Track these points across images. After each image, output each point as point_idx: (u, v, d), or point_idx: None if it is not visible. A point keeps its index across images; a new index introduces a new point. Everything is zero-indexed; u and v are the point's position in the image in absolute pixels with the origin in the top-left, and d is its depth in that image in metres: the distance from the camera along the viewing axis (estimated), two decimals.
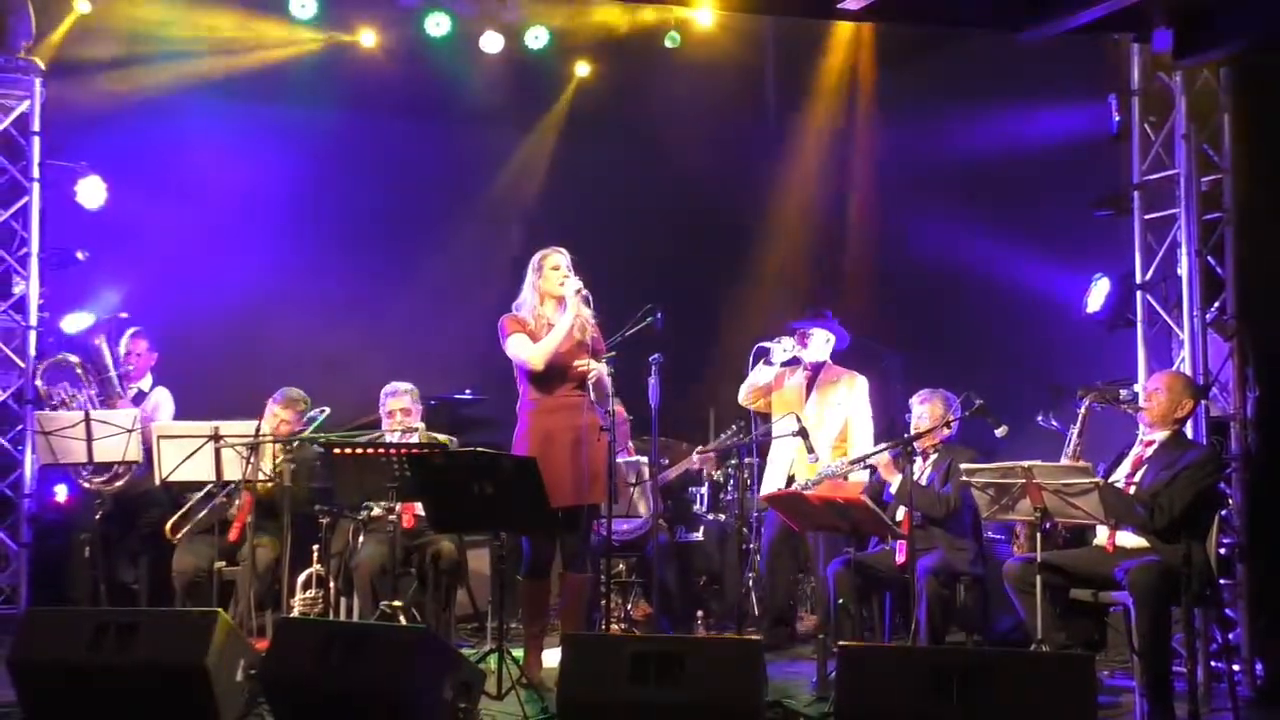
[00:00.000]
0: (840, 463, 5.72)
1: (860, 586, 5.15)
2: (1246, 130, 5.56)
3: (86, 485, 6.05)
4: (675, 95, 7.96)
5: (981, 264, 7.22)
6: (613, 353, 5.23)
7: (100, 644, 4.13)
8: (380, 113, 7.89)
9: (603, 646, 4.18)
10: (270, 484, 5.56)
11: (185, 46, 7.32)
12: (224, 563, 5.46)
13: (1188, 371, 5.49)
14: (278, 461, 5.53)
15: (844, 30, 7.82)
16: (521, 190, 8.31)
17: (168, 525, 5.67)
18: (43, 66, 6.59)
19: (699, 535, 6.92)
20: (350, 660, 3.92)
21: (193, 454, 5.40)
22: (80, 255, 6.72)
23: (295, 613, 5.62)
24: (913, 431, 5.45)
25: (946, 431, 5.51)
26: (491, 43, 7.60)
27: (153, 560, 5.92)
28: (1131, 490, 4.80)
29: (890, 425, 6.74)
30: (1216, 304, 5.59)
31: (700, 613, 6.75)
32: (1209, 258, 5.61)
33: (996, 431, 5.18)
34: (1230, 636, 5.28)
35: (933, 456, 5.54)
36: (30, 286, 6.51)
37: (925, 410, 5.54)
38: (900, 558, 5.15)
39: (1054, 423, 5.81)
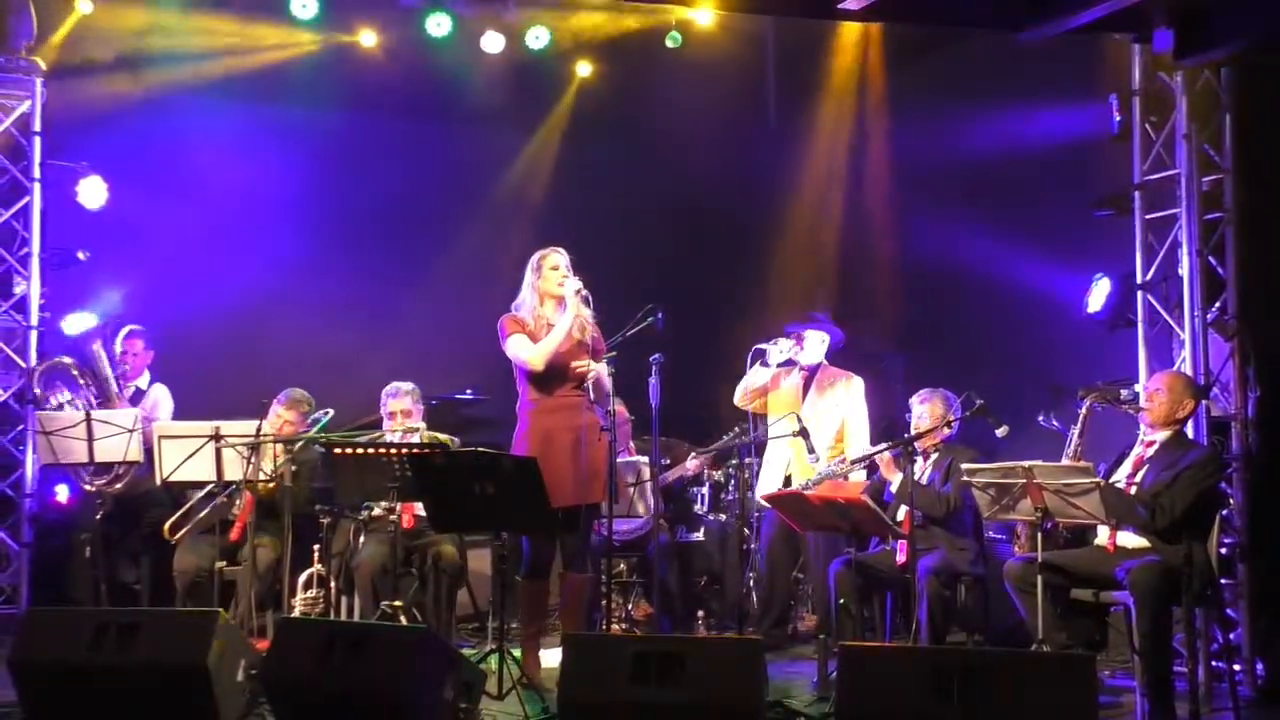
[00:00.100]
0: (840, 462, 5.72)
1: (861, 586, 5.15)
2: (1247, 130, 5.56)
3: (88, 488, 6.05)
4: (676, 95, 7.96)
5: (982, 264, 7.21)
6: (613, 353, 5.23)
7: (101, 644, 4.13)
8: (381, 113, 7.89)
9: (604, 646, 4.19)
10: (271, 484, 5.56)
11: (186, 47, 7.32)
12: (225, 563, 5.46)
13: (1188, 372, 5.49)
14: (279, 462, 5.53)
15: (850, 30, 7.81)
16: (522, 190, 8.32)
17: (166, 525, 5.67)
18: (44, 67, 6.59)
19: (700, 535, 6.92)
20: (351, 660, 3.93)
21: (193, 454, 5.39)
22: (81, 255, 6.73)
23: (296, 613, 5.62)
24: (913, 431, 5.45)
25: (947, 431, 5.51)
26: (492, 43, 7.60)
27: (154, 560, 5.93)
28: (1132, 490, 4.79)
29: (890, 425, 6.75)
30: (1217, 304, 5.59)
31: (701, 613, 6.75)
32: (1210, 258, 5.61)
33: (997, 431, 5.18)
34: (1231, 636, 5.27)
35: (933, 456, 5.54)
36: (31, 286, 6.51)
37: (925, 410, 5.54)
38: (901, 558, 5.15)
39: (1055, 423, 5.81)
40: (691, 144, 8.10)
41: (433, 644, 4.05)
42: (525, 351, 5.09)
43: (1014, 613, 4.90)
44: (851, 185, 8.08)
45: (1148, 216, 5.90)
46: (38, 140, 6.55)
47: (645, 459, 6.30)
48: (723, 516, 6.92)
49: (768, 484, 5.99)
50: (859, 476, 5.70)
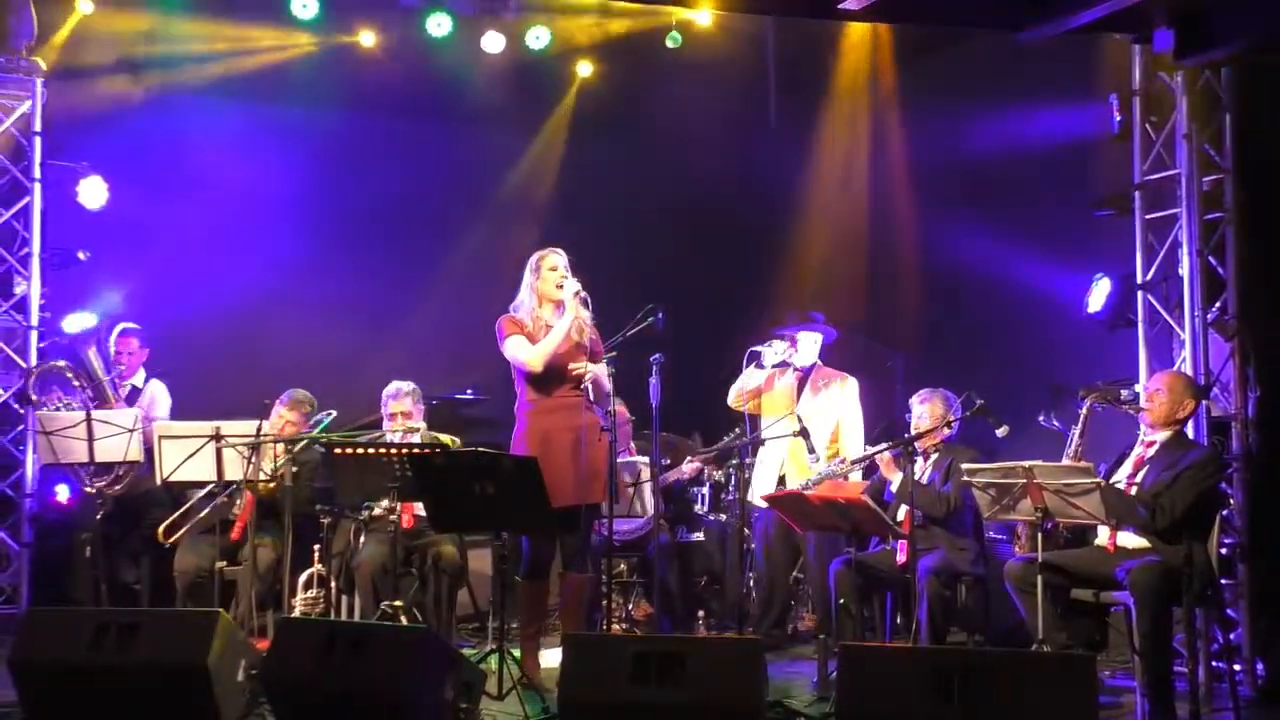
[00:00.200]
0: (841, 463, 5.72)
1: (861, 586, 5.15)
2: (1248, 130, 5.56)
3: (89, 490, 6.05)
4: (676, 95, 7.96)
5: (982, 264, 7.21)
6: (614, 353, 5.23)
7: (101, 644, 4.13)
8: (381, 113, 7.89)
9: (604, 646, 4.19)
10: (272, 484, 5.56)
11: (186, 48, 7.32)
12: (225, 563, 5.46)
13: (1189, 372, 5.49)
14: (279, 462, 5.53)
15: (852, 31, 7.80)
16: (522, 190, 8.32)
17: (160, 529, 5.66)
18: (44, 67, 6.60)
19: (700, 535, 6.92)
20: (351, 660, 3.93)
21: (194, 454, 5.39)
22: (82, 255, 6.74)
23: (296, 612, 5.62)
24: (913, 431, 5.45)
25: (947, 431, 5.51)
26: (493, 43, 7.61)
27: (154, 560, 5.93)
28: (1133, 491, 4.79)
29: (889, 426, 6.75)
30: (1218, 304, 5.59)
31: (701, 613, 6.75)
32: (1210, 258, 5.61)
33: (998, 431, 5.18)
34: (1231, 636, 5.27)
35: (934, 456, 5.54)
36: (32, 287, 6.52)
37: (925, 410, 5.54)
38: (902, 557, 5.15)
39: (1055, 423, 5.81)
40: (692, 144, 8.10)
41: (433, 644, 4.05)
42: (523, 353, 5.09)
43: (1014, 613, 4.90)
44: (851, 185, 8.08)
45: (1148, 216, 5.90)
46: (38, 140, 6.56)
47: (644, 459, 6.30)
48: (723, 516, 6.92)
49: (761, 485, 5.98)
50: (855, 476, 5.70)
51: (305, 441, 5.63)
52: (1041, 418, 5.95)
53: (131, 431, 5.68)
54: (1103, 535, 4.84)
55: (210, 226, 7.42)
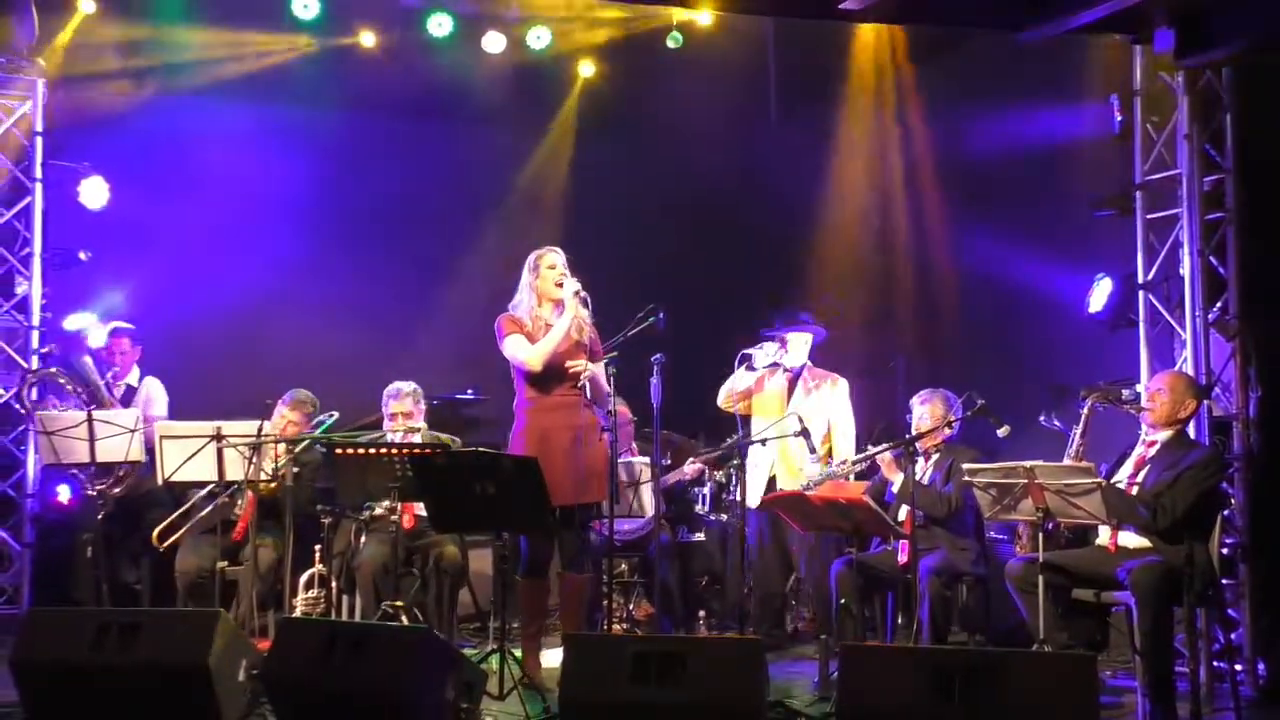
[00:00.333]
0: (842, 464, 5.72)
1: (862, 586, 5.15)
2: (1248, 130, 5.56)
3: (90, 493, 6.04)
4: (677, 95, 7.96)
5: (983, 264, 7.21)
6: (614, 353, 5.23)
7: (102, 644, 4.13)
8: (382, 113, 7.90)
9: (604, 646, 4.19)
10: (273, 484, 5.56)
11: (187, 49, 7.32)
12: (226, 563, 5.46)
13: (1190, 372, 5.49)
14: (280, 462, 5.53)
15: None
16: (523, 190, 8.32)
17: (155, 533, 5.65)
18: (46, 68, 6.60)
19: (701, 535, 6.92)
20: (352, 660, 3.93)
21: (195, 454, 5.40)
22: (83, 255, 6.74)
23: (297, 613, 5.62)
24: (914, 432, 5.45)
25: (948, 431, 5.51)
26: (493, 43, 7.61)
27: (155, 560, 5.92)
28: (1134, 491, 4.79)
29: (889, 426, 6.75)
30: (1219, 304, 5.59)
31: (702, 613, 6.75)
32: (1211, 258, 5.61)
33: (998, 431, 5.18)
34: (1233, 636, 5.28)
35: (935, 456, 5.54)
36: (33, 287, 6.53)
37: (926, 411, 5.54)
38: (903, 558, 5.15)
39: (1056, 423, 5.80)
40: (693, 143, 8.10)
41: (434, 644, 4.05)
42: (523, 351, 5.10)
43: (1015, 613, 4.90)
44: (852, 185, 8.08)
45: (1149, 216, 5.90)
46: (39, 140, 6.56)
47: (644, 460, 6.30)
48: (724, 517, 6.92)
49: (752, 487, 5.96)
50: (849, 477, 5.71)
51: (306, 442, 5.63)
52: (1042, 418, 5.95)
53: (133, 432, 5.68)
54: (1104, 535, 4.85)
55: (211, 227, 7.42)
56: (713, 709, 3.74)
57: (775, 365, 6.09)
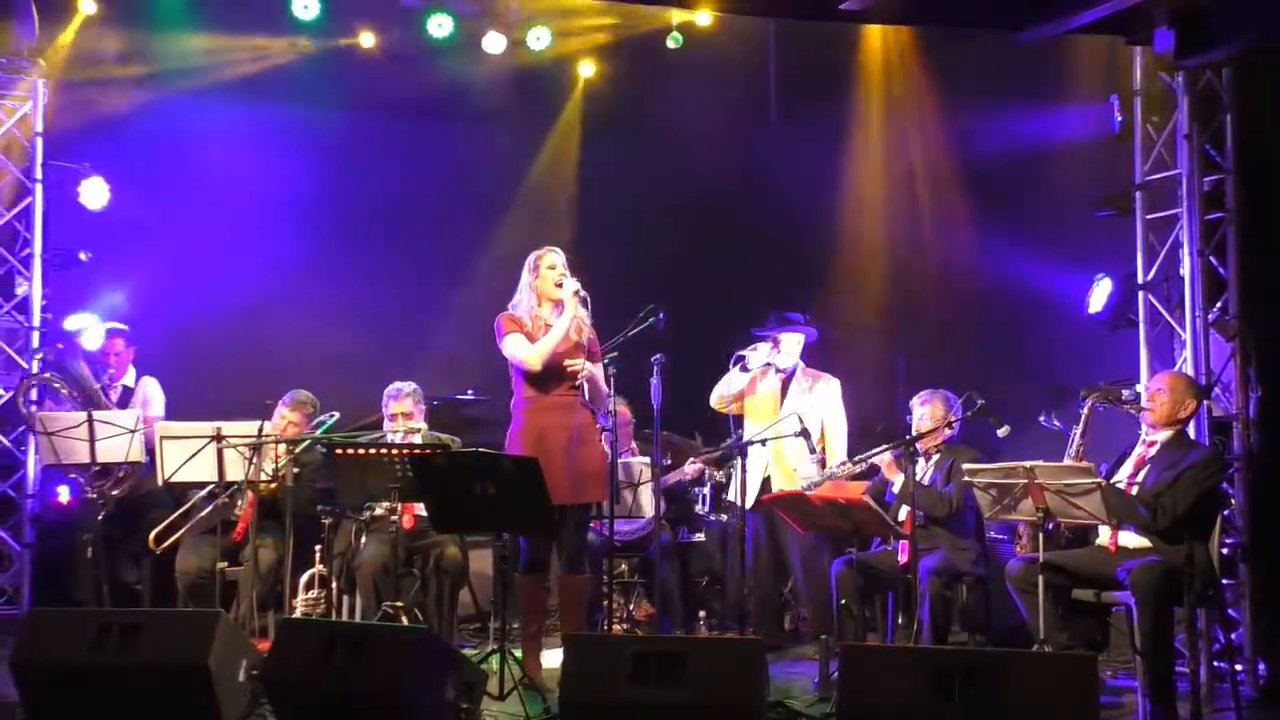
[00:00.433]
0: (842, 465, 5.72)
1: (862, 587, 5.15)
2: (1248, 131, 5.56)
3: (91, 495, 6.04)
4: (678, 95, 7.97)
5: (983, 264, 7.22)
6: (614, 353, 5.23)
7: (102, 644, 4.13)
8: (382, 113, 7.90)
9: (604, 646, 4.19)
10: (273, 485, 5.56)
11: (188, 48, 7.32)
12: (226, 563, 5.46)
13: (1190, 372, 5.49)
14: (281, 463, 5.53)
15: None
16: (524, 190, 8.32)
17: (151, 536, 5.64)
18: (46, 68, 6.60)
19: (701, 536, 6.92)
20: (352, 661, 3.93)
21: (195, 454, 5.40)
22: (83, 256, 6.74)
23: (297, 613, 5.62)
24: (914, 433, 5.45)
25: (948, 432, 5.51)
26: (494, 43, 7.61)
27: (155, 561, 5.92)
28: (1134, 491, 4.79)
29: (889, 427, 6.74)
30: (1219, 304, 5.59)
31: (702, 613, 6.75)
32: (1211, 258, 5.61)
33: (999, 432, 5.18)
34: (1233, 636, 5.28)
35: (935, 457, 5.54)
36: (33, 287, 6.54)
37: (926, 411, 5.54)
38: (903, 558, 5.15)
39: (1056, 423, 5.81)
40: (693, 144, 8.09)
41: (434, 644, 4.06)
42: (522, 351, 5.10)
43: (1015, 613, 4.90)
44: (852, 185, 8.08)
45: (1149, 217, 5.91)
46: (40, 141, 6.56)
47: (643, 460, 6.30)
48: (724, 517, 6.92)
49: (748, 487, 5.95)
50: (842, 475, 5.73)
51: (307, 442, 5.63)
52: (1043, 418, 5.95)
53: (133, 432, 5.68)
54: (1104, 535, 4.85)
55: (211, 227, 7.42)
56: (713, 709, 3.74)
57: (769, 366, 6.10)
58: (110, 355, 6.41)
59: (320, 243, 7.69)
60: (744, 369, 6.04)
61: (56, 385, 6.13)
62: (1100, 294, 6.01)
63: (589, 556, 5.43)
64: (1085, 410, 5.03)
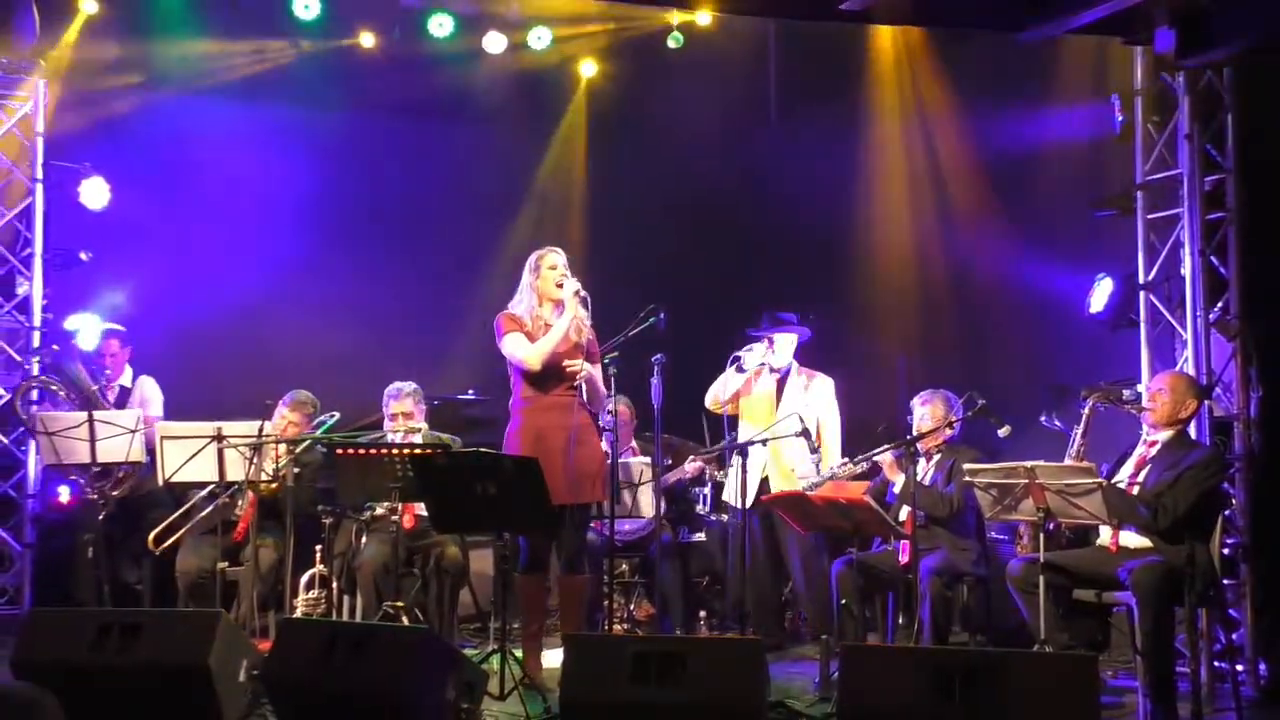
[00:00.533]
0: (843, 465, 5.72)
1: (863, 587, 5.15)
2: (1249, 130, 5.56)
3: (91, 495, 6.04)
4: (678, 95, 7.97)
5: (984, 264, 7.21)
6: (614, 353, 5.23)
7: (103, 644, 4.13)
8: (383, 113, 7.90)
9: (605, 647, 4.19)
10: (274, 485, 5.56)
11: (188, 48, 7.32)
12: (227, 563, 5.46)
13: (1191, 372, 5.49)
14: (281, 463, 5.53)
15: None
16: (524, 190, 8.32)
17: (151, 537, 5.64)
18: (47, 68, 6.60)
19: (702, 536, 6.92)
20: (353, 661, 3.93)
21: (196, 454, 5.40)
22: (84, 256, 6.74)
23: (298, 613, 5.62)
24: (915, 433, 5.45)
25: (949, 432, 5.51)
26: (494, 43, 7.61)
27: (156, 561, 5.92)
28: (1134, 490, 4.79)
29: (890, 427, 6.74)
30: (1220, 304, 5.59)
31: (703, 613, 6.75)
32: (1212, 258, 5.61)
33: (999, 432, 5.18)
34: (1234, 637, 5.27)
35: (936, 457, 5.54)
36: (34, 287, 6.54)
37: (927, 412, 5.54)
38: (904, 558, 5.15)
39: (1057, 423, 5.81)
40: (693, 144, 8.10)
41: (434, 644, 4.05)
42: (521, 350, 5.10)
43: (1016, 613, 4.90)
44: (853, 184, 8.08)
45: (1150, 216, 5.90)
46: (40, 141, 6.56)
47: (643, 459, 6.30)
48: (724, 517, 6.91)
49: (742, 488, 5.95)
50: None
51: (307, 442, 5.63)
52: (1043, 418, 5.95)
53: (133, 432, 5.68)
54: (1105, 535, 4.84)
55: (212, 227, 7.43)
56: (713, 709, 3.74)
57: (763, 366, 6.11)
58: (106, 356, 6.41)
59: (320, 243, 7.69)
60: (740, 369, 6.05)
61: (54, 388, 6.12)
62: (1101, 294, 6.01)
63: (589, 556, 5.43)
64: (1086, 410, 5.03)
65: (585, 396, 5.14)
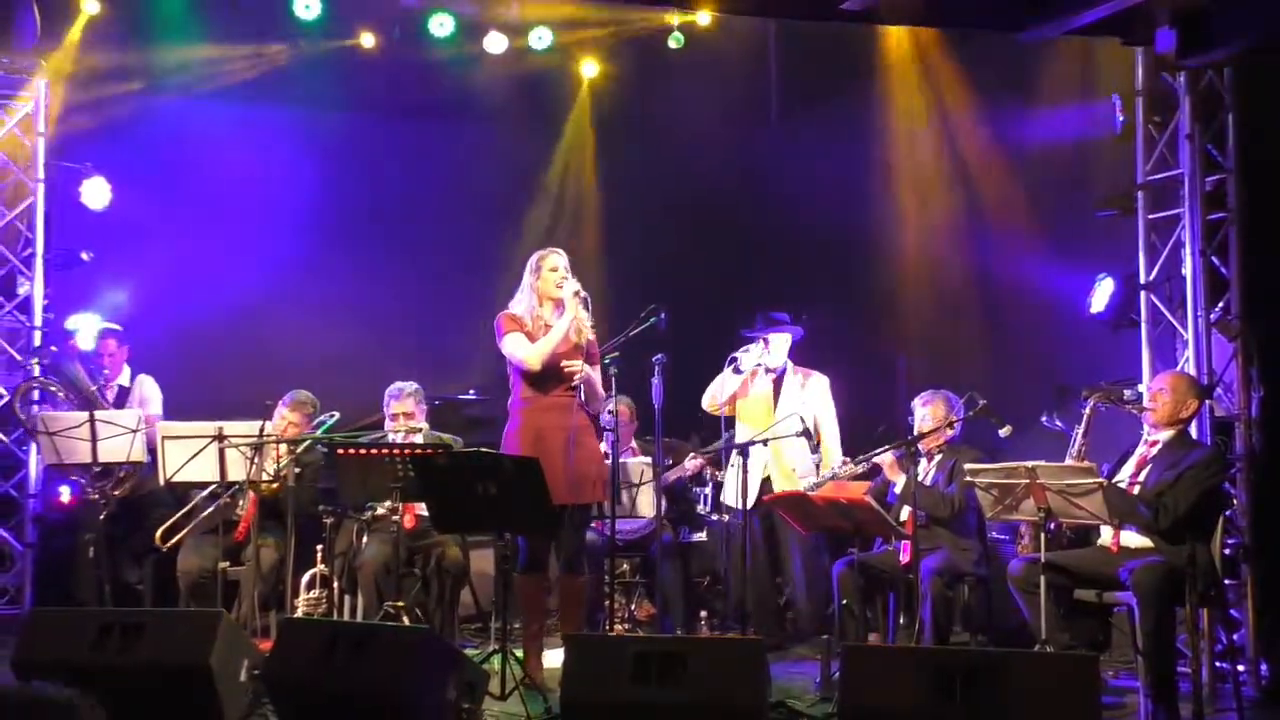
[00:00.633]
0: (844, 465, 5.72)
1: (864, 587, 5.15)
2: (1250, 130, 5.56)
3: (92, 495, 6.03)
4: (679, 95, 7.97)
5: (985, 264, 7.21)
6: (615, 353, 5.23)
7: (104, 644, 4.13)
8: (383, 113, 7.90)
9: (605, 647, 4.19)
10: (275, 484, 5.56)
11: (189, 48, 7.32)
12: (228, 563, 5.46)
13: (1192, 372, 5.49)
14: (282, 463, 5.53)
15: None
16: (525, 190, 8.32)
17: (158, 534, 5.64)
18: (48, 68, 6.60)
19: (702, 535, 6.92)
20: (353, 661, 3.93)
21: (197, 454, 5.40)
22: (85, 256, 6.75)
23: (299, 613, 5.61)
24: (916, 433, 5.45)
25: (950, 432, 5.51)
26: (495, 43, 7.61)
27: (157, 561, 5.93)
28: (1135, 490, 4.79)
29: (890, 427, 6.74)
30: (1221, 304, 5.59)
31: (704, 613, 6.75)
32: (1213, 258, 5.61)
33: (1000, 432, 5.18)
34: (1235, 637, 5.27)
35: (937, 457, 5.55)
36: (35, 287, 6.54)
37: (928, 412, 5.54)
38: (905, 558, 5.15)
39: (1058, 423, 5.80)
40: (694, 144, 8.10)
41: (435, 644, 4.06)
42: (521, 350, 5.10)
43: (1017, 613, 4.90)
44: (853, 184, 8.08)
45: (1151, 217, 5.90)
46: (42, 141, 6.56)
47: (643, 459, 6.30)
48: (725, 517, 6.91)
49: (742, 489, 5.95)
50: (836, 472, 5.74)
51: (308, 442, 5.63)
52: (1044, 418, 5.95)
53: (135, 432, 5.68)
54: (1106, 535, 4.84)
55: (213, 227, 7.43)
56: (714, 709, 3.74)
57: (759, 366, 6.13)
58: (104, 355, 6.41)
59: (320, 243, 7.69)
60: (736, 371, 6.07)
61: (53, 389, 6.12)
62: (1102, 294, 6.01)
63: (590, 556, 5.43)
64: (1087, 410, 5.03)
65: (583, 397, 5.14)
